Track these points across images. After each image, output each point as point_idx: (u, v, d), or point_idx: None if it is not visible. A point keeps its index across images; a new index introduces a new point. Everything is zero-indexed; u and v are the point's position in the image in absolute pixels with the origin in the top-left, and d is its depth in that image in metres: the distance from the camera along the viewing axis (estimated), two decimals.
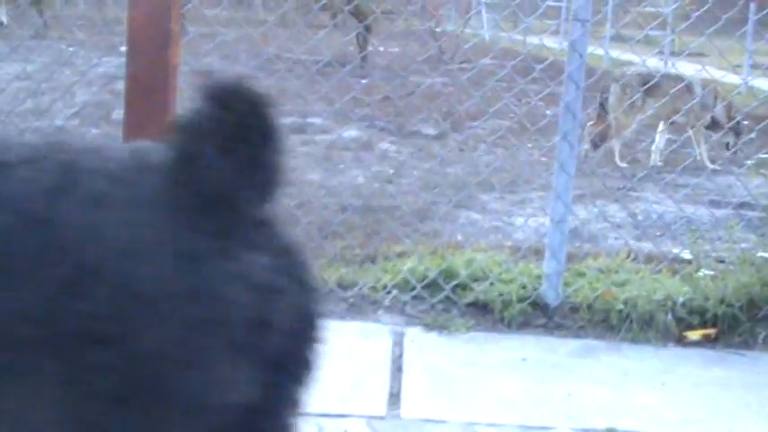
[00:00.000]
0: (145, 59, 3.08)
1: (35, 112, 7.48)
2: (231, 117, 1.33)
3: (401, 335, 3.67)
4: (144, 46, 3.07)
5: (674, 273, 4.24)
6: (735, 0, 5.64)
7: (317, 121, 8.64)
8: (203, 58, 10.04)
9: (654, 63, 13.48)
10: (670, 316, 3.80)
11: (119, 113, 7.70)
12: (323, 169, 6.58)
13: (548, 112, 6.93)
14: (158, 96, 3.10)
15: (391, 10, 11.82)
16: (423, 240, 4.59)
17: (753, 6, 11.51)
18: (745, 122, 7.95)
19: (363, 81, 7.66)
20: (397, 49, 13.27)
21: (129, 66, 3.11)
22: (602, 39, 16.78)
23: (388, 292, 4.00)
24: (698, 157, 7.96)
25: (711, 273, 4.14)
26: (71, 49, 11.01)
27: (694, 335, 3.77)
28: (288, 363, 1.40)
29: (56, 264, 1.27)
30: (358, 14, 12.96)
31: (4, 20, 12.68)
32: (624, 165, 7.69)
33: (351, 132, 8.10)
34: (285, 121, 8.44)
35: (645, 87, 7.73)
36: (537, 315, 3.90)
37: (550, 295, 3.97)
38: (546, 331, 3.81)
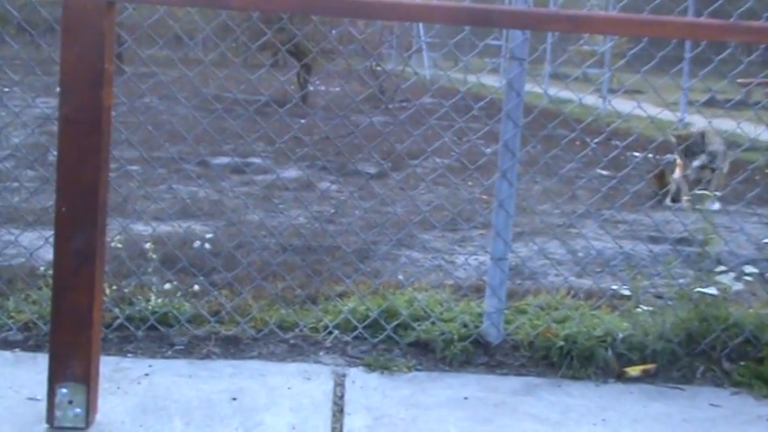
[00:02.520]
0: (78, 100, 3.03)
1: None
2: None
3: (343, 376, 3.63)
4: (77, 86, 3.03)
5: (614, 309, 4.26)
6: (670, 39, 5.73)
7: (256, 161, 8.61)
8: (141, 99, 9.97)
9: (592, 100, 13.66)
10: (610, 352, 3.82)
11: (55, 156, 7.63)
12: (263, 209, 6.54)
13: (487, 150, 6.96)
14: (91, 138, 3.05)
15: (331, 49, 11.86)
16: (364, 280, 4.57)
17: (687, 45, 11.74)
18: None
19: (303, 121, 7.65)
20: (337, 89, 13.32)
21: (61, 107, 3.07)
22: (541, 77, 16.99)
23: (330, 333, 3.96)
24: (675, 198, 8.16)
25: (650, 308, 4.16)
26: (5, 89, 10.89)
27: (634, 370, 3.78)
28: None
29: None
30: (297, 53, 12.99)
31: None
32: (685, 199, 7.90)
33: (291, 172, 8.08)
34: (224, 161, 8.36)
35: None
36: (478, 353, 3.89)
37: (492, 333, 3.96)
38: (488, 369, 3.80)
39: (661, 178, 8.35)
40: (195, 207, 6.22)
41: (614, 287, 4.76)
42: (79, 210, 3.07)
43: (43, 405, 3.05)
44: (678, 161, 8.26)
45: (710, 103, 7.71)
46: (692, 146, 8.11)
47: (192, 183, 7.41)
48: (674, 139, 8.19)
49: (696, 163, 8.12)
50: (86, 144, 3.07)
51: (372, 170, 8.29)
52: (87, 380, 3.04)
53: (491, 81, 15.55)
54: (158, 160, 7.95)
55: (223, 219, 6.03)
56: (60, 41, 3.01)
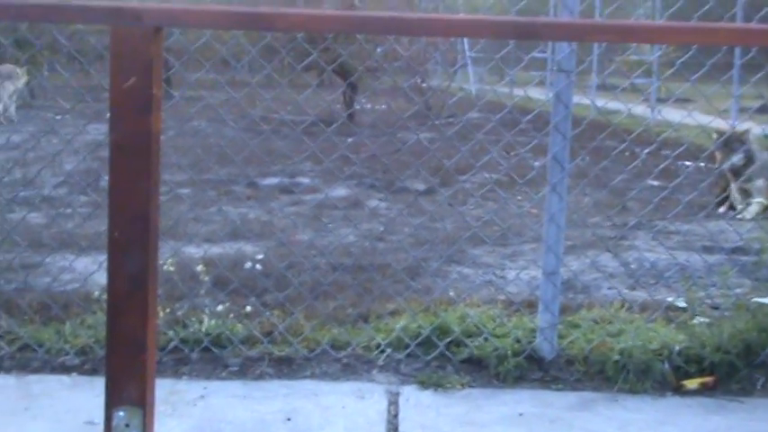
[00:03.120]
0: (127, 126, 3.06)
1: (23, 182, 7.47)
2: None
3: (396, 394, 3.62)
4: (126, 113, 3.05)
5: (669, 321, 4.21)
6: (719, 46, 5.67)
7: (304, 180, 8.64)
8: (189, 122, 10.07)
9: (641, 110, 13.57)
10: (667, 365, 3.77)
11: (106, 181, 7.69)
12: (312, 229, 6.55)
13: (536, 163, 6.92)
14: (141, 163, 3.08)
15: (376, 67, 11.88)
16: (415, 298, 4.55)
17: (738, 51, 11.61)
18: None
19: (350, 139, 7.66)
20: (383, 106, 13.35)
21: (111, 133, 3.10)
22: (589, 88, 16.90)
23: (382, 351, 3.96)
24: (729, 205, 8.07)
25: (707, 320, 4.10)
26: (58, 117, 11.05)
27: (692, 383, 3.73)
28: None
29: None
30: (343, 73, 13.04)
31: None
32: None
33: (339, 191, 8.10)
34: (273, 181, 8.39)
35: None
36: (533, 369, 3.86)
37: (545, 348, 3.93)
38: (542, 385, 3.77)
39: (722, 184, 8.24)
40: (245, 228, 6.25)
41: (669, 299, 4.69)
42: (131, 234, 3.08)
43: (100, 429, 3.07)
44: (717, 154, 8.14)
45: (764, 110, 7.61)
46: (730, 140, 7.98)
47: (242, 204, 7.46)
48: (714, 135, 8.06)
49: (733, 159, 8.00)
50: (136, 170, 3.09)
51: (421, 187, 8.28)
52: (143, 403, 3.05)
53: (538, 94, 15.50)
54: (208, 183, 8.01)
55: (273, 239, 6.05)
56: (109, 68, 3.04)
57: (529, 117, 4.38)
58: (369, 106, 14.31)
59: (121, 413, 3.05)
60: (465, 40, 17.70)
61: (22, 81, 12.63)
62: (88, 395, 3.44)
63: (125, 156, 3.11)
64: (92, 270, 4.48)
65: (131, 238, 3.11)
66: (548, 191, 4.00)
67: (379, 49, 11.51)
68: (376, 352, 3.96)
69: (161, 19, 3.22)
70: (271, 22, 3.19)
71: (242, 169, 8.30)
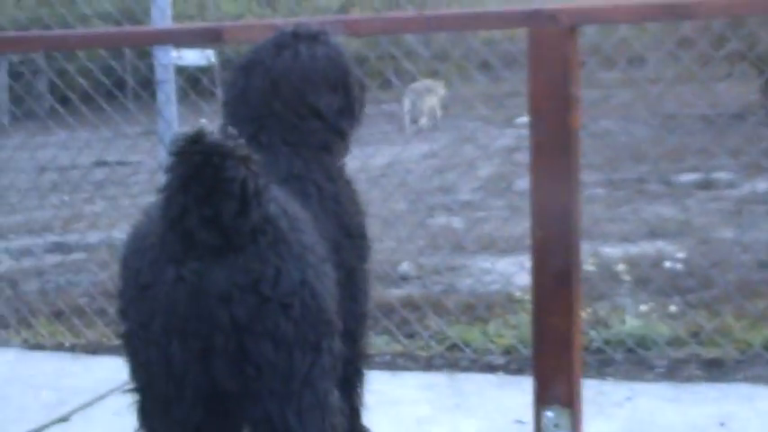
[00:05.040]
0: (548, 126, 3.07)
1: (442, 189, 7.80)
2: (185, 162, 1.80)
3: None
4: (546, 113, 3.07)
5: None
6: None
7: (723, 175, 8.24)
8: (599, 121, 10.00)
9: None
10: None
11: (519, 184, 7.89)
12: (735, 225, 6.22)
13: None
14: (562, 162, 3.07)
15: None
16: None
17: None
18: None
19: None
20: None
21: (532, 134, 3.12)
22: None
23: None
24: None
25: None
26: (471, 124, 11.43)
27: None
28: None
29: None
30: (759, 63, 12.31)
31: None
32: None
33: (762, 184, 7.64)
34: (688, 177, 8.08)
35: None
36: None
37: None
38: None
39: None
40: (662, 226, 6.07)
41: None
42: (554, 233, 3.09)
43: (529, 428, 3.10)
44: None
45: None
46: None
47: (656, 202, 7.26)
48: None
49: None
50: (558, 169, 3.09)
51: None
52: (571, 403, 3.04)
53: None
54: (620, 182, 7.89)
55: (693, 237, 5.82)
56: (528, 70, 3.06)
57: None
58: None
59: (550, 413, 3.06)
60: None
61: (440, 94, 13.10)
62: (515, 394, 3.47)
63: (546, 155, 3.13)
64: (512, 271, 4.56)
65: (554, 235, 3.12)
66: None
67: None
68: None
69: (576, 18, 3.21)
70: (689, 9, 3.06)
71: (655, 166, 8.09)
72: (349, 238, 2.35)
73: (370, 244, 2.52)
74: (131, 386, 2.07)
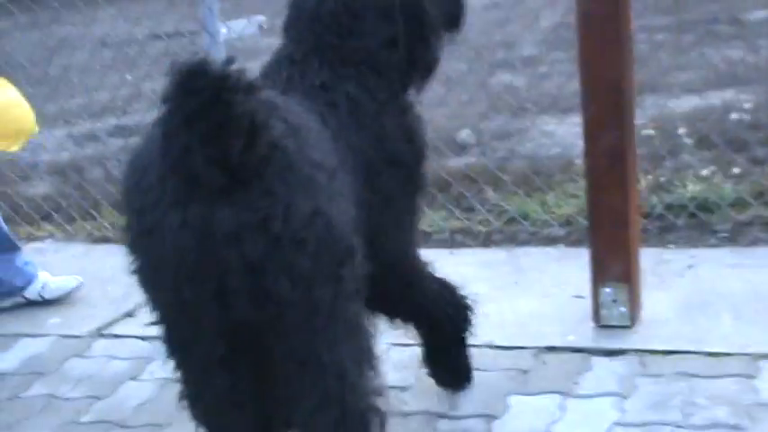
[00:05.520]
0: None
1: (504, 44, 7.59)
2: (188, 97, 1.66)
3: None
4: None
5: None
6: None
7: None
8: None
9: None
10: None
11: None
12: None
13: None
14: (612, 31, 2.96)
15: None
16: None
17: None
18: None
19: None
20: None
21: (580, 2, 3.00)
22: None
23: None
24: None
25: None
26: None
27: None
28: None
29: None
30: None
31: None
32: None
33: None
34: (761, 15, 7.66)
35: None
36: None
37: None
38: None
39: None
40: (730, 73, 5.86)
41: None
42: (607, 108, 3.00)
43: (587, 303, 3.09)
44: None
45: None
46: None
47: (725, 45, 6.99)
48: None
49: None
50: (607, 39, 2.98)
51: None
52: (629, 279, 3.01)
53: None
54: (686, 24, 7.60)
55: (764, 84, 5.61)
56: None
57: None
58: None
59: (608, 290, 3.04)
60: None
61: None
62: (574, 268, 3.43)
63: (594, 26, 3.01)
64: (574, 132, 4.45)
65: (607, 112, 3.03)
66: None
67: None
68: None
69: None
70: None
71: (724, 4, 7.76)
72: (390, 165, 2.21)
73: (419, 177, 2.35)
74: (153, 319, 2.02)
